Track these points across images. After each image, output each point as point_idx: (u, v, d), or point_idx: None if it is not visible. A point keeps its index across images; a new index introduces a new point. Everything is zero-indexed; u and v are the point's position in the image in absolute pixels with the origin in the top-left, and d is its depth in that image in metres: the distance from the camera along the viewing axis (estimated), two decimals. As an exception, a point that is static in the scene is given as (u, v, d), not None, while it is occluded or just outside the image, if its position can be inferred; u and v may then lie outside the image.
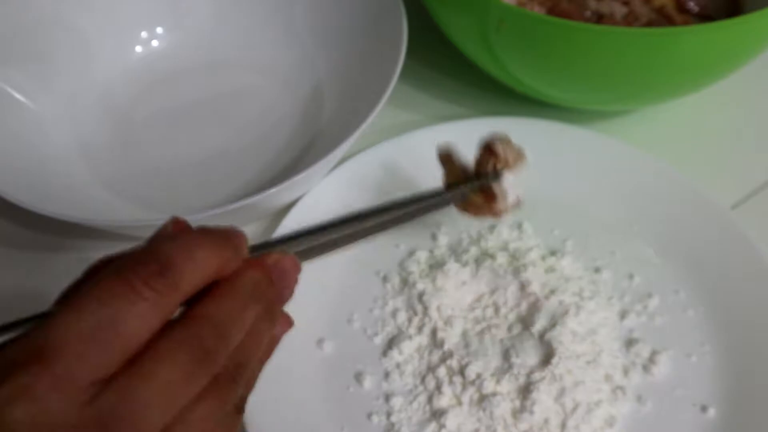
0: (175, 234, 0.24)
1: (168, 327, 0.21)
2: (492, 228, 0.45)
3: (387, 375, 0.39)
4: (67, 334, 0.20)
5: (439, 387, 0.38)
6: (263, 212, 0.45)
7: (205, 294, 0.23)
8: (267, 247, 0.27)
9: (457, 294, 0.42)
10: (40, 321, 0.21)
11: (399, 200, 0.36)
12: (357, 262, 0.44)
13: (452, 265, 0.42)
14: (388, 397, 0.39)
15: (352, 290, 0.43)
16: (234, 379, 0.23)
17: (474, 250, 0.44)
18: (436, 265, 0.43)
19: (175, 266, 0.21)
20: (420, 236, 0.45)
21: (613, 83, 0.44)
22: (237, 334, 0.23)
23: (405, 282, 0.43)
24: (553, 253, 0.44)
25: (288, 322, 0.27)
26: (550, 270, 0.43)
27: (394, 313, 0.41)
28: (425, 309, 0.41)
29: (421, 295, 0.41)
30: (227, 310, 0.22)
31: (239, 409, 0.24)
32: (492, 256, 0.43)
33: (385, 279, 0.43)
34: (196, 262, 0.22)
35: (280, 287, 0.25)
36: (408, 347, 0.40)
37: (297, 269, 0.26)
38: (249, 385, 0.25)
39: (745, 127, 0.52)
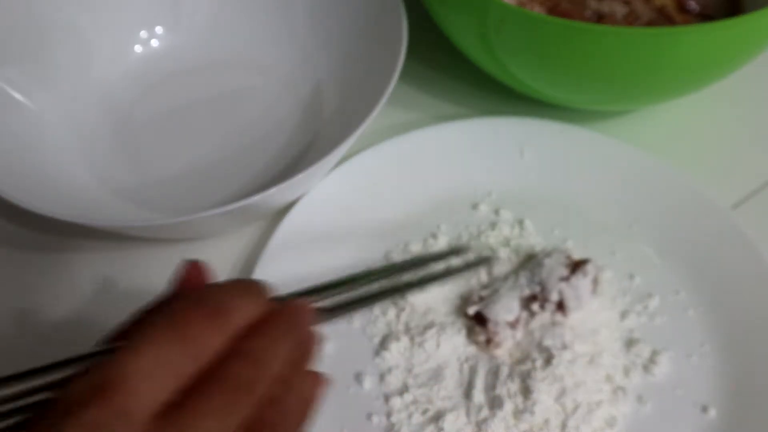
0: (224, 282, 0.27)
1: (216, 363, 0.24)
2: (493, 225, 0.45)
3: (382, 375, 0.39)
4: (127, 372, 0.21)
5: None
6: (263, 212, 0.45)
7: (246, 334, 0.25)
8: (285, 298, 0.29)
9: (443, 289, 0.42)
10: (101, 358, 0.23)
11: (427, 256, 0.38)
12: (348, 258, 0.44)
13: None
14: (387, 397, 0.39)
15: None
16: (275, 420, 0.25)
17: (473, 245, 0.44)
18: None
19: (229, 310, 0.24)
20: (419, 236, 0.45)
21: (614, 83, 0.44)
22: (274, 365, 0.25)
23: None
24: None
25: (322, 380, 0.29)
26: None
27: (384, 311, 0.42)
28: (410, 304, 0.41)
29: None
30: (264, 345, 0.25)
31: None
32: (494, 252, 0.43)
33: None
34: (244, 309, 0.25)
35: (306, 323, 0.28)
36: (396, 347, 0.40)
37: (313, 311, 0.28)
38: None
39: (745, 127, 0.52)
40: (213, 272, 0.30)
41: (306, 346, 0.28)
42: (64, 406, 0.21)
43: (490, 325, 0.39)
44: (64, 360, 0.24)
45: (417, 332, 0.40)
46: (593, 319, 0.40)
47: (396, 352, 0.40)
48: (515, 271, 0.41)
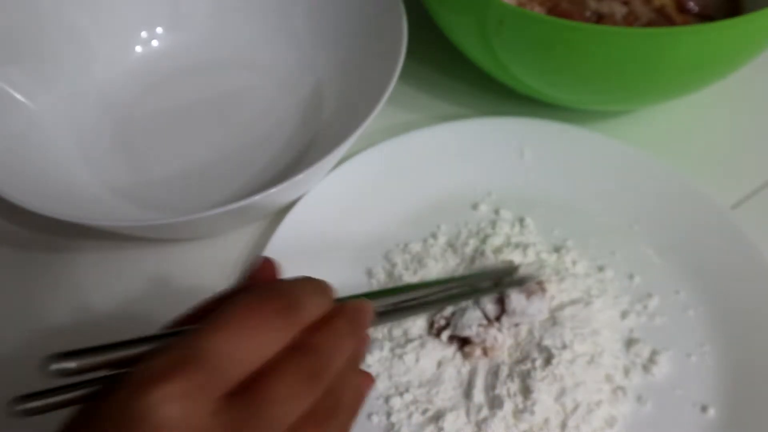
0: (297, 279, 0.28)
1: (285, 353, 0.25)
2: (493, 223, 0.45)
3: (377, 376, 0.39)
4: (207, 350, 0.23)
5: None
6: (263, 212, 0.45)
7: (312, 328, 0.27)
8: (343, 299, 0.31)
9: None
10: (183, 334, 0.24)
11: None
12: (348, 258, 0.44)
13: (434, 256, 0.43)
14: (388, 397, 0.39)
15: (350, 289, 0.43)
16: (330, 412, 0.26)
17: (473, 243, 0.44)
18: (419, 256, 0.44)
19: (302, 305, 0.26)
20: (419, 236, 0.45)
21: (613, 83, 0.44)
22: (338, 360, 0.26)
23: (390, 275, 0.43)
24: (557, 249, 0.44)
25: (371, 378, 0.31)
26: (554, 265, 0.43)
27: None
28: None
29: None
30: (327, 344, 0.26)
31: None
32: (498, 250, 0.43)
33: (370, 273, 0.43)
34: (315, 304, 0.27)
35: (365, 322, 0.30)
36: (378, 355, 0.40)
37: (371, 310, 0.30)
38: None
39: (745, 127, 0.52)
40: (282, 271, 0.31)
41: (362, 345, 0.30)
42: (143, 378, 0.22)
43: (474, 338, 0.39)
44: (134, 339, 0.25)
45: (398, 344, 0.40)
46: (595, 318, 0.40)
47: (377, 359, 0.40)
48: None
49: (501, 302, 0.39)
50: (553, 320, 0.40)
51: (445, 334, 0.40)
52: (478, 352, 0.39)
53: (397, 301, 0.35)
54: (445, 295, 0.38)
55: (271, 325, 0.25)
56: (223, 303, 0.25)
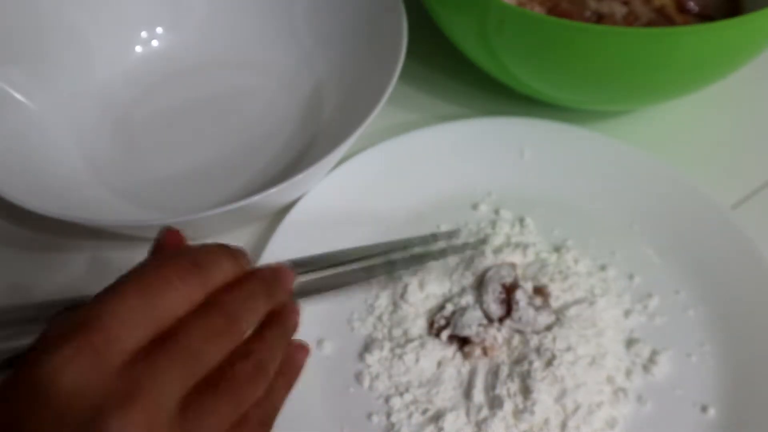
0: (205, 244, 0.27)
1: (191, 312, 0.25)
2: (493, 223, 0.45)
3: (378, 376, 0.39)
4: (107, 312, 0.23)
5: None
6: (263, 212, 0.45)
7: (222, 290, 0.26)
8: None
9: (442, 288, 0.42)
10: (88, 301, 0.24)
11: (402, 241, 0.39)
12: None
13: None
14: (388, 398, 0.39)
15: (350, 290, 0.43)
16: (250, 378, 0.26)
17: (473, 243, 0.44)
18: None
19: (206, 266, 0.26)
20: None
21: (613, 83, 0.44)
22: (249, 318, 0.26)
23: (389, 274, 0.43)
24: (557, 249, 0.44)
25: (305, 349, 0.31)
26: (556, 265, 0.43)
27: (379, 311, 0.42)
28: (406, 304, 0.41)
29: (403, 293, 0.42)
30: (236, 299, 0.26)
31: (265, 424, 0.27)
32: (498, 250, 0.43)
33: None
34: (221, 267, 0.26)
35: (284, 284, 0.29)
36: (378, 355, 0.40)
37: (292, 274, 0.30)
38: (273, 404, 0.28)
39: (745, 127, 0.52)
40: (188, 240, 0.30)
41: (291, 315, 0.29)
42: (46, 341, 0.23)
43: (473, 338, 0.39)
44: (50, 301, 0.26)
45: (398, 344, 0.40)
46: (600, 318, 0.40)
47: (377, 359, 0.40)
48: (465, 290, 0.42)
49: (505, 303, 0.39)
50: (559, 322, 0.40)
51: (444, 334, 0.40)
52: (477, 351, 0.39)
53: (332, 273, 0.34)
54: (384, 260, 0.37)
55: (172, 285, 0.24)
56: (132, 270, 0.25)
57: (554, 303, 0.41)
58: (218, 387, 0.25)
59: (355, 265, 0.36)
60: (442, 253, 0.40)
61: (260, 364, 0.26)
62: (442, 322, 0.40)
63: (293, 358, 0.30)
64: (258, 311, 0.27)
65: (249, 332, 0.27)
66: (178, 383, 0.23)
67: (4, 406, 0.23)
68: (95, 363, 0.22)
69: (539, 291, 0.41)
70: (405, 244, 0.39)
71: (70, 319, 0.23)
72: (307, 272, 0.33)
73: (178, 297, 0.24)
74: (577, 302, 0.41)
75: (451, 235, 0.41)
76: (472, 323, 0.39)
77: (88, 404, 0.22)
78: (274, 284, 0.28)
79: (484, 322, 0.39)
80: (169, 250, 0.29)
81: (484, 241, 0.43)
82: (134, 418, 0.22)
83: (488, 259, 0.43)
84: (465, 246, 0.41)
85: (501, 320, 0.39)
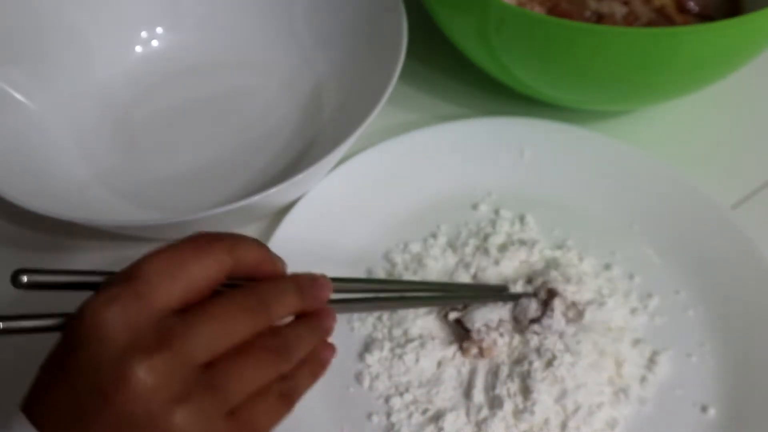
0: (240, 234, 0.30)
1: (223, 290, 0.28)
2: (493, 222, 0.45)
3: (378, 376, 0.39)
4: (148, 268, 0.26)
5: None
6: (263, 212, 0.45)
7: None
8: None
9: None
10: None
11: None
12: (348, 258, 0.44)
13: (434, 256, 0.43)
14: (388, 397, 0.39)
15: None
16: (273, 353, 0.28)
17: (473, 242, 0.44)
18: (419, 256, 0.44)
19: (237, 246, 0.29)
20: (419, 236, 0.45)
21: (614, 83, 0.44)
22: (275, 306, 0.29)
23: (390, 275, 0.43)
24: (558, 248, 0.44)
25: (332, 348, 0.33)
26: (564, 264, 0.43)
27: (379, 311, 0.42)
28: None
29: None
30: (269, 288, 0.29)
31: (286, 398, 0.29)
32: (503, 248, 0.43)
33: (369, 273, 0.44)
34: (250, 250, 0.29)
35: (316, 291, 0.31)
36: (378, 355, 0.40)
37: (328, 285, 0.32)
38: (297, 384, 0.30)
39: (745, 127, 0.52)
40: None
41: (324, 317, 0.32)
42: (102, 287, 0.26)
43: (473, 334, 0.39)
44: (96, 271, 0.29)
45: (397, 344, 0.40)
46: (612, 319, 0.40)
47: (377, 359, 0.40)
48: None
49: (543, 305, 0.39)
50: (579, 327, 0.39)
51: (452, 315, 0.40)
52: (474, 350, 0.39)
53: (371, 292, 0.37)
54: (429, 296, 0.40)
55: (212, 255, 0.27)
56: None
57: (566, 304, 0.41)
58: (242, 354, 0.27)
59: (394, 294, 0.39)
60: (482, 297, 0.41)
61: (285, 344, 0.29)
62: (460, 306, 0.40)
63: (320, 353, 0.32)
64: (287, 306, 0.30)
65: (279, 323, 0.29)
66: (206, 343, 0.26)
67: (60, 344, 0.26)
68: (135, 306, 0.25)
69: (573, 304, 0.40)
70: (455, 289, 0.42)
71: (119, 273, 0.26)
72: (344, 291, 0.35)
73: (209, 264, 0.27)
74: (588, 304, 0.41)
75: (500, 289, 0.42)
76: (478, 320, 0.39)
77: (121, 343, 0.24)
78: (308, 289, 0.31)
79: (492, 324, 0.39)
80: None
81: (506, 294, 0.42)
82: (156, 365, 0.24)
83: (491, 257, 0.43)
84: (514, 296, 0.41)
85: (532, 321, 0.39)
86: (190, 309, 0.26)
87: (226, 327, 0.26)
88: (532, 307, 0.39)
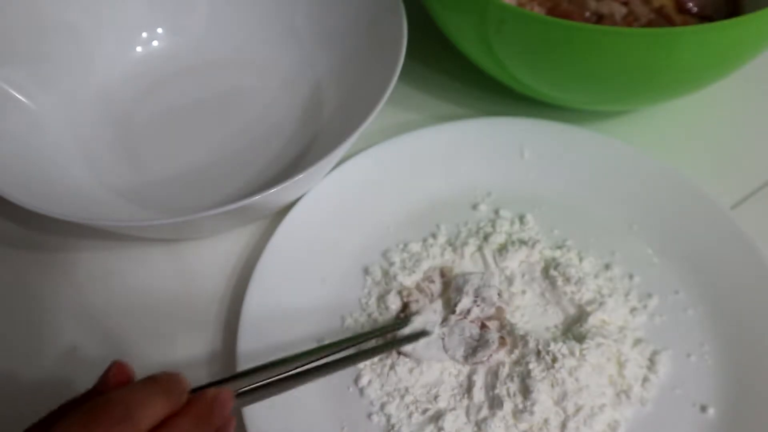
0: (133, 386, 0.28)
1: None
2: (493, 222, 0.45)
3: (377, 376, 0.39)
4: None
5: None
6: (263, 212, 0.45)
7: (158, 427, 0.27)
8: (203, 387, 0.31)
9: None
10: None
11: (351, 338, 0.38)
12: (348, 258, 0.44)
13: (433, 255, 0.43)
14: (388, 398, 0.38)
15: (348, 288, 0.43)
16: None
17: (473, 242, 0.44)
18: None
19: (135, 415, 0.26)
20: (419, 236, 0.45)
21: (613, 83, 0.44)
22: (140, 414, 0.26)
23: (386, 273, 0.43)
24: (559, 246, 0.44)
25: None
26: (564, 263, 0.43)
27: (371, 310, 0.42)
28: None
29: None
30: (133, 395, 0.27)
31: None
32: (502, 248, 0.43)
33: (366, 272, 0.44)
34: (153, 408, 0.27)
35: (219, 414, 0.29)
36: (370, 362, 0.40)
37: (231, 400, 0.30)
38: None
39: (745, 127, 0.52)
40: (134, 374, 0.30)
41: (227, 427, 0.30)
42: None
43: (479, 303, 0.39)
44: None
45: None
46: (612, 321, 0.40)
47: (377, 359, 0.39)
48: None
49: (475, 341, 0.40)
50: (580, 333, 0.39)
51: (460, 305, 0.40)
52: (483, 356, 0.39)
53: (278, 374, 0.33)
54: (332, 359, 0.36)
55: None
56: (66, 409, 0.26)
57: (568, 304, 0.41)
58: None
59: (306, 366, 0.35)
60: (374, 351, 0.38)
61: None
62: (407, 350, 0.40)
63: None
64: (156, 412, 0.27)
65: None
66: None
67: None
68: None
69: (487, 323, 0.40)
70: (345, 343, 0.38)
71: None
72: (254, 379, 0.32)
73: None
74: (588, 303, 0.41)
75: (397, 326, 0.40)
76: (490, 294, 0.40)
77: None
78: (209, 415, 0.29)
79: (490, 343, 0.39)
80: (107, 388, 0.29)
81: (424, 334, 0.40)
82: None
83: (491, 257, 0.43)
84: (415, 336, 0.39)
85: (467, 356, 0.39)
86: None
87: None
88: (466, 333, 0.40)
